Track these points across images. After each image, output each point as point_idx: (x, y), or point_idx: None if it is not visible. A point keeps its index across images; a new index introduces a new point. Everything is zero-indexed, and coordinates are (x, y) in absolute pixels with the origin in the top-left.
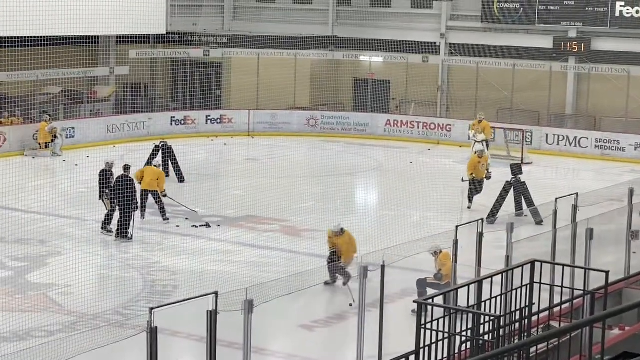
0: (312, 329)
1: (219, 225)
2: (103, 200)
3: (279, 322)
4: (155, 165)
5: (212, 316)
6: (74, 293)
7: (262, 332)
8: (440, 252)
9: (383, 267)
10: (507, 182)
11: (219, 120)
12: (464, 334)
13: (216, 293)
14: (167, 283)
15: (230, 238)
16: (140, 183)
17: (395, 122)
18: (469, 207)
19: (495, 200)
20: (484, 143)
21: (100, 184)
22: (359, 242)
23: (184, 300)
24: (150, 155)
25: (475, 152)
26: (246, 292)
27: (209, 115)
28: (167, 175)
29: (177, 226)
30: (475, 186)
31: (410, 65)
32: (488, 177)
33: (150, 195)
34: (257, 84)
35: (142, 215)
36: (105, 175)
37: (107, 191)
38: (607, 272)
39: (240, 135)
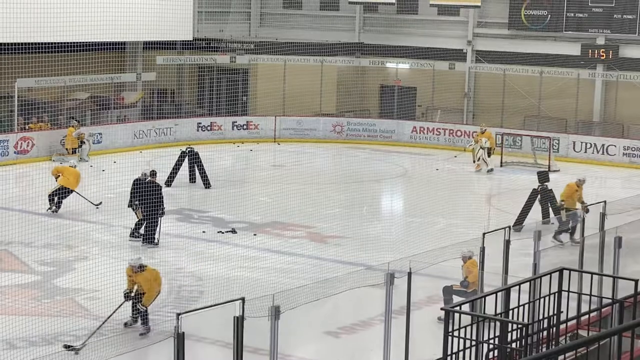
0: (338, 335)
1: (255, 234)
2: (133, 209)
3: (305, 328)
4: (71, 166)
5: (239, 322)
6: (101, 298)
7: (288, 339)
8: (470, 258)
9: (410, 274)
10: (534, 189)
11: (245, 127)
12: (491, 341)
13: (243, 299)
14: (193, 289)
15: (256, 244)
16: (57, 179)
17: (422, 129)
18: (560, 241)
19: (522, 207)
20: (486, 151)
21: (131, 192)
22: (385, 249)
23: (210, 306)
24: (177, 161)
25: (577, 180)
26: (272, 299)
27: (235, 122)
28: (194, 181)
29: (203, 232)
30: (565, 217)
31: (437, 72)
32: (586, 210)
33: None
34: (283, 91)
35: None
36: (138, 184)
37: (136, 202)
38: (636, 281)
39: (266, 141)
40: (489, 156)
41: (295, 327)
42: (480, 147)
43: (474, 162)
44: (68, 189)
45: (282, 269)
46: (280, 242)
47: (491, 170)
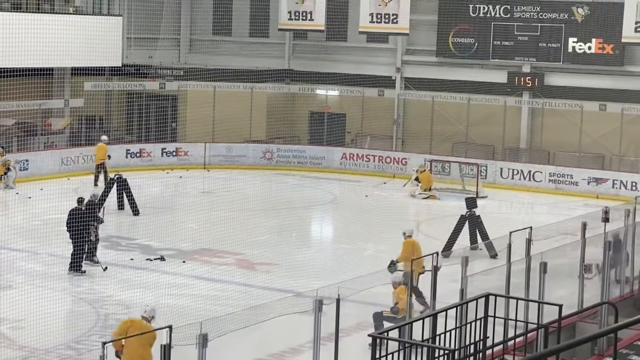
0: None
1: (183, 262)
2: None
3: (233, 356)
4: None
5: (166, 350)
6: (26, 327)
7: None
8: (400, 284)
9: (338, 300)
10: (462, 215)
11: (174, 153)
12: None
13: (170, 327)
14: (120, 317)
15: (184, 271)
16: None
17: (351, 155)
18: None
19: (450, 233)
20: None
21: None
22: (314, 276)
23: (137, 335)
24: (105, 188)
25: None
26: (200, 326)
27: (165, 148)
28: (122, 208)
29: (131, 259)
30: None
31: (366, 98)
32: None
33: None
34: (212, 117)
35: None
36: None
37: (95, 223)
38: (560, 306)
39: (196, 168)
40: (416, 185)
41: (224, 355)
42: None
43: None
44: None
45: (210, 296)
46: (209, 270)
47: (414, 196)
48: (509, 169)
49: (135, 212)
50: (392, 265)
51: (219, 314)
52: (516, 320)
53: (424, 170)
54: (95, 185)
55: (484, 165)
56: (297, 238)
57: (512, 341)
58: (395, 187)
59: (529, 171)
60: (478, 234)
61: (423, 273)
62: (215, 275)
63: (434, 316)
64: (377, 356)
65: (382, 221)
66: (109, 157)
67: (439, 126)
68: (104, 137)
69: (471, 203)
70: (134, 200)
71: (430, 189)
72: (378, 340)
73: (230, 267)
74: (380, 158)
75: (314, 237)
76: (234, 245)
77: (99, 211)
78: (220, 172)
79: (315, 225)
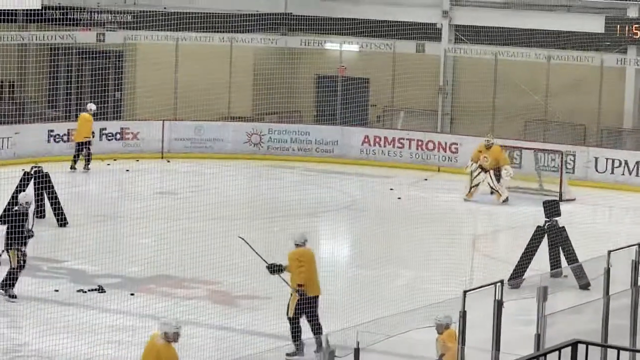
0: None
1: (132, 294)
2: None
3: None
4: None
5: None
6: None
7: None
8: (447, 327)
9: (357, 350)
10: (538, 227)
11: (119, 136)
12: None
13: None
14: None
15: (134, 309)
16: None
17: (377, 139)
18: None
19: (521, 253)
20: (493, 173)
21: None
22: (322, 315)
23: None
24: (17, 187)
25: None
26: None
27: (105, 129)
28: (42, 216)
29: (56, 291)
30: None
31: (399, 56)
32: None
33: None
34: (174, 83)
35: None
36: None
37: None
38: None
39: (151, 157)
40: (498, 181)
41: None
42: (482, 169)
43: (470, 187)
44: None
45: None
46: (170, 306)
47: (506, 200)
48: (606, 160)
49: (62, 222)
50: (275, 270)
51: None
52: None
53: (492, 144)
54: (72, 169)
55: (571, 153)
56: None
57: None
58: (441, 185)
59: (637, 162)
60: (562, 254)
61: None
62: (179, 314)
63: None
64: None
65: (423, 235)
66: (93, 134)
67: (504, 96)
68: (91, 106)
69: (552, 209)
70: (59, 204)
71: (498, 173)
72: None
73: (201, 302)
74: (420, 143)
75: (323, 258)
76: (206, 271)
77: (25, 221)
78: (185, 164)
79: (325, 241)
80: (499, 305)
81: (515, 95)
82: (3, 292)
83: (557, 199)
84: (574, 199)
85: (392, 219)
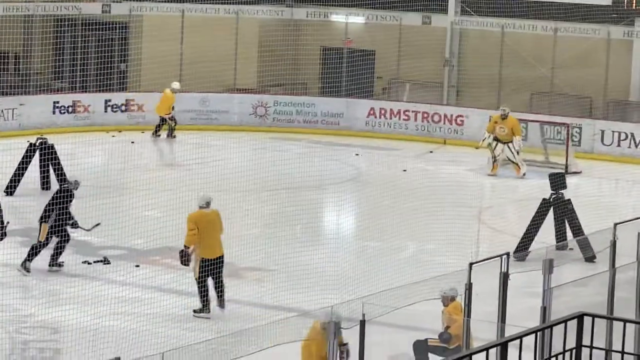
0: None
1: (137, 266)
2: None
3: None
4: None
5: None
6: None
7: None
8: (453, 299)
9: (363, 322)
10: (544, 200)
11: (124, 108)
12: None
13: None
14: (45, 346)
15: (139, 280)
16: None
17: (382, 111)
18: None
19: (527, 225)
20: (513, 148)
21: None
22: (327, 287)
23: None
24: (23, 158)
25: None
26: (162, 359)
27: (110, 100)
28: (47, 188)
29: (62, 262)
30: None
31: (405, 28)
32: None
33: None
34: (180, 55)
35: None
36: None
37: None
38: None
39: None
40: (518, 153)
41: None
42: (497, 141)
43: (493, 161)
44: None
45: (176, 316)
46: (174, 277)
47: (525, 174)
48: (613, 132)
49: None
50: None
51: (187, 342)
52: (623, 352)
53: (507, 114)
54: (156, 135)
55: (578, 126)
56: (302, 232)
57: None
58: (446, 157)
59: None
60: (568, 227)
61: None
62: (184, 286)
63: (503, 346)
64: None
65: (429, 208)
66: (173, 108)
67: (511, 69)
68: (175, 85)
69: (558, 182)
70: (64, 176)
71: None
72: None
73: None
74: (426, 115)
75: (328, 230)
76: None
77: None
78: (191, 135)
79: (330, 213)
80: (504, 277)
81: (522, 67)
82: (23, 269)
83: (563, 171)
84: (580, 172)
85: (397, 191)
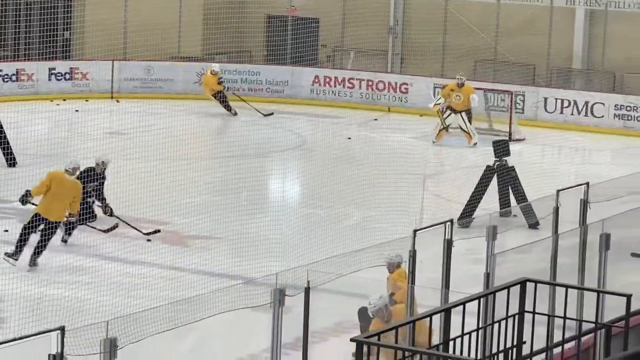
0: None
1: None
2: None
3: None
4: None
5: None
6: None
7: None
8: (398, 266)
9: (308, 290)
10: (488, 167)
11: (68, 76)
12: None
13: (62, 328)
14: None
15: (83, 249)
16: None
17: (327, 79)
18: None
19: (471, 192)
20: (465, 115)
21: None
22: (272, 255)
23: (13, 340)
24: None
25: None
26: (107, 327)
27: (54, 69)
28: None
29: (5, 231)
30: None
31: None
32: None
33: None
34: (124, 22)
35: None
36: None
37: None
38: (629, 297)
39: (100, 97)
40: (470, 122)
41: None
42: (450, 110)
43: (440, 129)
44: None
45: (121, 284)
46: (120, 246)
47: (476, 144)
48: (556, 100)
49: (11, 162)
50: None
51: (133, 310)
52: (565, 318)
53: (464, 82)
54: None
55: (521, 93)
56: (247, 200)
57: (559, 348)
58: (391, 124)
59: (586, 102)
60: (511, 194)
61: None
62: (128, 254)
63: (447, 312)
64: None
65: (373, 175)
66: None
67: (454, 37)
68: (214, 67)
69: (502, 149)
70: (8, 144)
71: (469, 115)
72: (365, 348)
73: (152, 243)
74: (370, 83)
75: (273, 198)
76: (155, 211)
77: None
78: (135, 104)
79: (275, 181)
80: (448, 244)
81: (465, 35)
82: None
83: (507, 138)
84: (523, 139)
85: (342, 158)
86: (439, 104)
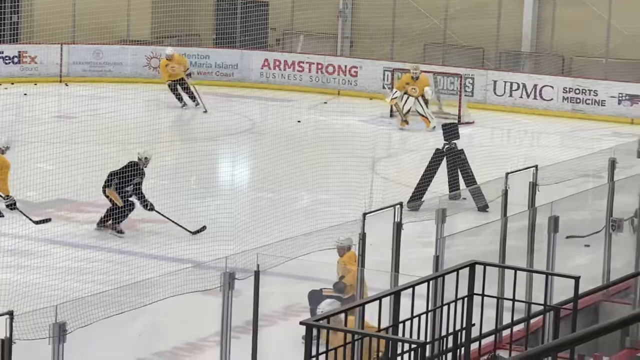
0: None
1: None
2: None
3: (104, 354)
4: None
5: (6, 347)
6: None
7: None
8: (348, 249)
9: (257, 273)
10: (437, 150)
11: (16, 60)
12: None
13: (11, 313)
14: None
15: (31, 233)
16: None
17: (277, 62)
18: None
19: (420, 176)
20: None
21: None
22: (222, 238)
23: None
24: None
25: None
26: (56, 311)
27: (2, 52)
28: None
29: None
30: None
31: None
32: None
33: None
34: (73, 5)
35: None
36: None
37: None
38: (577, 279)
39: (48, 80)
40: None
41: (91, 353)
42: (407, 95)
43: (402, 116)
44: None
45: (70, 268)
46: (68, 229)
47: (434, 127)
48: (505, 83)
49: None
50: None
51: (82, 294)
52: (514, 300)
53: (419, 75)
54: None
55: (470, 76)
56: (197, 184)
57: (508, 330)
58: (340, 108)
59: (535, 85)
60: (460, 177)
61: None
62: (77, 239)
63: (396, 295)
64: (314, 353)
65: (323, 158)
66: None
67: (404, 20)
68: (167, 51)
69: (451, 132)
70: None
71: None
72: (315, 331)
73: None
74: (320, 66)
75: (223, 182)
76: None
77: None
78: (84, 87)
79: (225, 164)
80: (398, 227)
81: (415, 18)
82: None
83: (456, 122)
84: (472, 122)
85: (292, 142)
86: (396, 97)
